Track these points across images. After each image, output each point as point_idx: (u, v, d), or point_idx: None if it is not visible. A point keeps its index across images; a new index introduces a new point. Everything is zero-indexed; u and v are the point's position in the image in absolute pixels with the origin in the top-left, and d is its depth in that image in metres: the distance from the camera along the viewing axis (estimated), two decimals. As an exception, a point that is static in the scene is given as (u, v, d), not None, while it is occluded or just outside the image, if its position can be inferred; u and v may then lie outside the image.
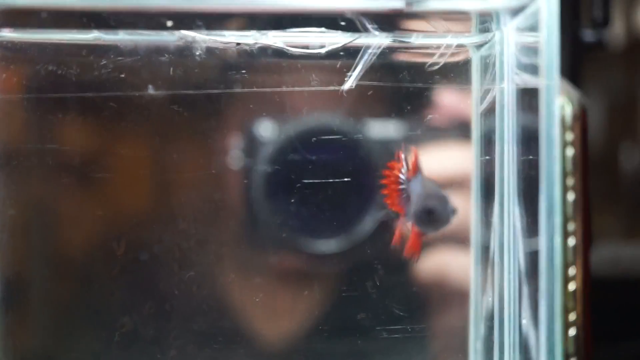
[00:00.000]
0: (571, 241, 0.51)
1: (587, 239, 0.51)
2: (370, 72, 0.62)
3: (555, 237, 0.50)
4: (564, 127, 0.51)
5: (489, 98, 0.64)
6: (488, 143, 0.64)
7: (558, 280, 0.50)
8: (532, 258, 0.53)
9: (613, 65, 1.34)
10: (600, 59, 1.29)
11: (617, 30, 1.32)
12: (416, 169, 0.57)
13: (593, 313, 0.91)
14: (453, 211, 0.55)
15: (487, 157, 0.63)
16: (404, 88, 0.63)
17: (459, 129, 0.64)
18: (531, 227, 0.53)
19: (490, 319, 0.63)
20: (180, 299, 0.62)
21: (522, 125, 0.57)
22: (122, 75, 0.60)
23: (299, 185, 0.63)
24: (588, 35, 1.20)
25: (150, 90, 0.60)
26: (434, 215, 0.54)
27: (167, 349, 0.62)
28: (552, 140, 0.51)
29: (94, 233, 0.62)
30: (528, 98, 0.55)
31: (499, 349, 0.61)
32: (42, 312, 0.63)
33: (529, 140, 0.55)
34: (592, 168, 1.28)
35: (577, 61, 1.17)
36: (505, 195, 0.60)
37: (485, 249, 0.64)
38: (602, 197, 1.30)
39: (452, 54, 0.64)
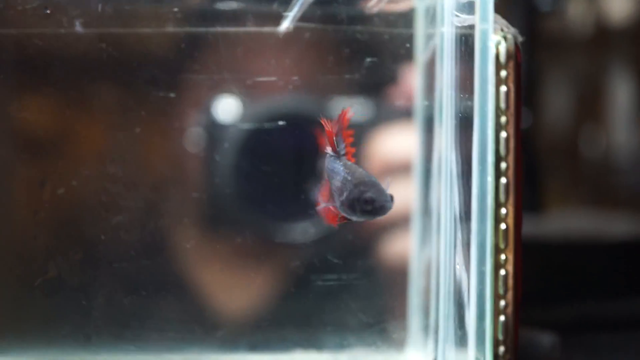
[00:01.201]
0: (503, 180, 0.50)
1: (519, 178, 0.50)
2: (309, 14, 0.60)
3: (487, 176, 0.49)
4: (498, 65, 0.50)
5: (431, 45, 0.63)
6: (430, 91, 0.62)
7: (489, 220, 0.49)
8: (467, 203, 0.52)
9: (575, 50, 1.34)
10: (562, 43, 1.30)
11: (579, 14, 1.32)
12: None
13: (545, 275, 0.92)
14: (392, 199, 0.48)
15: (427, 103, 0.62)
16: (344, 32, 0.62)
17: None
18: (466, 171, 0.52)
19: (429, 269, 0.62)
20: (107, 245, 0.60)
21: (460, 67, 0.55)
22: (48, 11, 0.58)
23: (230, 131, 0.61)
24: (544, 3, 1.20)
25: (78, 28, 0.58)
26: (373, 205, 0.48)
27: (94, 296, 0.60)
28: (485, 78, 0.50)
29: (17, 176, 0.60)
30: (465, 38, 0.54)
31: (435, 296, 0.60)
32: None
33: (465, 83, 0.54)
34: (553, 148, 1.29)
35: (532, 28, 1.17)
36: (443, 142, 0.59)
37: (427, 200, 0.63)
38: (563, 175, 1.31)
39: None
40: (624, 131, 1.33)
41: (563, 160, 1.34)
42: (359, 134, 0.61)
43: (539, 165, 1.18)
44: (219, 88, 0.62)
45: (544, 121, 1.32)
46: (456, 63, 0.56)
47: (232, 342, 0.63)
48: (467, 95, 0.52)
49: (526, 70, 1.14)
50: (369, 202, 0.48)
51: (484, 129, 0.49)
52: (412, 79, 0.63)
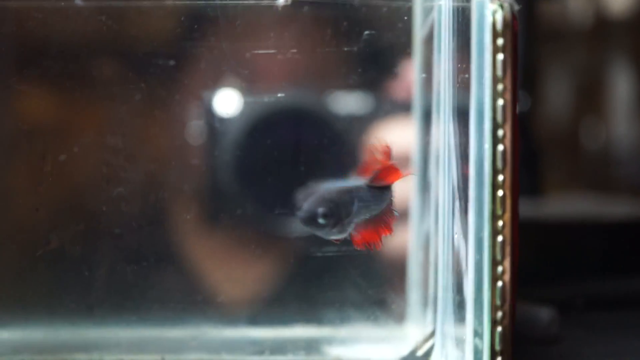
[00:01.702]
0: (500, 147, 0.50)
1: (516, 146, 0.50)
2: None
3: (484, 144, 0.50)
4: (494, 33, 0.50)
5: (428, 20, 0.63)
6: (428, 65, 0.63)
7: (487, 186, 0.49)
8: (465, 172, 0.52)
9: (576, 43, 1.35)
10: (562, 32, 1.30)
11: (579, 4, 1.33)
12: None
13: (545, 255, 0.93)
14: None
15: (424, 75, 0.62)
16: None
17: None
18: (464, 142, 0.53)
19: (428, 242, 0.63)
20: (108, 216, 0.61)
21: (458, 39, 0.56)
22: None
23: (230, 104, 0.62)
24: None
25: (77, 1, 0.58)
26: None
27: (96, 267, 0.61)
28: (482, 46, 0.50)
29: (18, 148, 0.61)
30: (462, 10, 0.54)
31: (434, 268, 0.60)
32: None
33: (463, 53, 0.54)
34: (554, 138, 1.30)
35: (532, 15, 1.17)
36: (441, 113, 0.59)
37: (426, 174, 0.64)
38: (563, 165, 1.32)
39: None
40: (623, 122, 1.34)
41: (563, 150, 1.34)
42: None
43: (539, 152, 1.19)
44: (218, 61, 0.62)
45: (545, 110, 1.33)
46: (454, 35, 0.56)
47: (232, 316, 0.63)
48: (464, 66, 0.53)
49: (526, 59, 1.15)
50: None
51: (481, 96, 0.49)
52: (412, 73, 0.64)
